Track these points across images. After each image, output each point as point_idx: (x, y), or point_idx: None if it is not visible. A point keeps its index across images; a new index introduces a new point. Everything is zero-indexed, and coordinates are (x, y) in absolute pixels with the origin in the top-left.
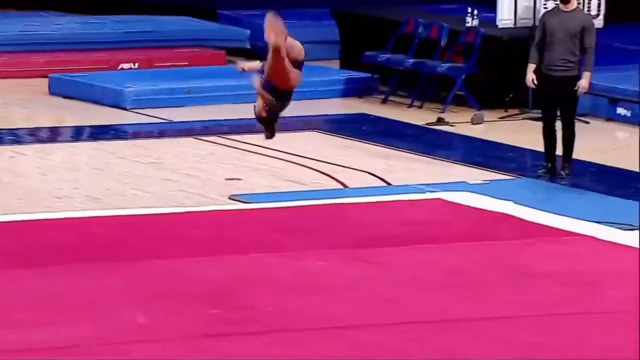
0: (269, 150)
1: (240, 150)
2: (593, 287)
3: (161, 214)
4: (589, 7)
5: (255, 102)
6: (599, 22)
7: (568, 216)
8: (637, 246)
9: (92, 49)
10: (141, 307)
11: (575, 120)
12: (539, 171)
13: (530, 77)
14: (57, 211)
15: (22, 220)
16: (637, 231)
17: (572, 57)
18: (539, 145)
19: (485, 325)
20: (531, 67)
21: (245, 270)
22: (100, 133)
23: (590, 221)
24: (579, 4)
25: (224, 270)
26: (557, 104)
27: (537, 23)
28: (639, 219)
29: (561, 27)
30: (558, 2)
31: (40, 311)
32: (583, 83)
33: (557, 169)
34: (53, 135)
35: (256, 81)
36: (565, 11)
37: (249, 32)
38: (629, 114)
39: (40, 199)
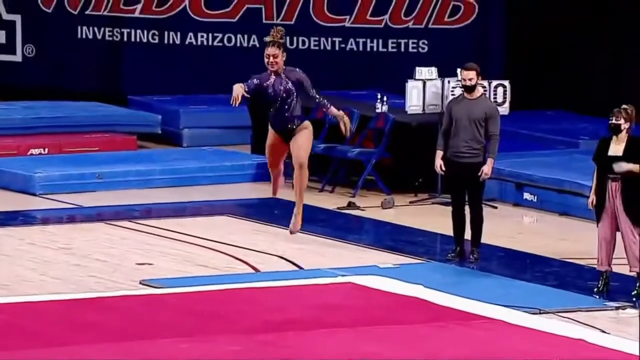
0: (180, 235)
1: (152, 235)
2: None
3: (70, 299)
4: (495, 94)
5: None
6: (504, 110)
7: (477, 300)
8: (552, 331)
9: (1, 134)
10: None
11: (483, 205)
12: (449, 255)
13: (438, 164)
14: None
15: None
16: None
17: (477, 144)
18: (448, 230)
19: None
20: (439, 153)
21: (156, 356)
22: (9, 219)
23: (499, 305)
24: (485, 91)
25: (134, 356)
26: (465, 189)
27: (444, 109)
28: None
29: (466, 115)
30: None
31: None
32: (485, 169)
33: (465, 253)
34: None
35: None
36: (470, 99)
37: (159, 117)
38: (534, 199)
39: None
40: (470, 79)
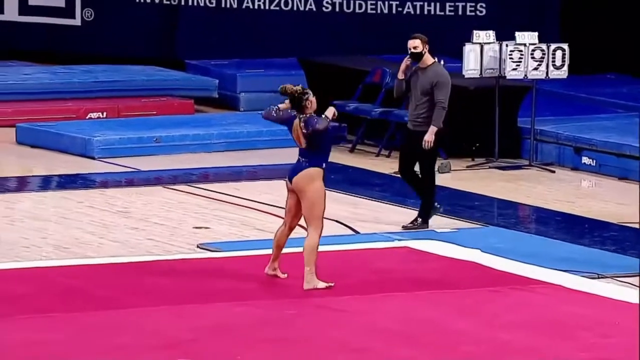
0: (237, 199)
1: (209, 199)
2: (559, 335)
3: (128, 262)
4: (553, 58)
5: None
6: (563, 73)
7: (535, 264)
8: (610, 295)
9: (60, 98)
10: (109, 357)
11: (540, 169)
12: (406, 225)
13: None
14: (24, 260)
15: None
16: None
17: (425, 113)
18: (506, 194)
19: None
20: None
21: (212, 319)
22: (68, 182)
23: (557, 269)
24: (543, 55)
25: (191, 319)
26: (413, 157)
27: (502, 73)
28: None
29: (417, 84)
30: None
31: None
32: (426, 137)
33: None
34: (21, 184)
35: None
36: (422, 68)
37: (217, 81)
38: (593, 164)
39: (7, 248)
40: (415, 47)
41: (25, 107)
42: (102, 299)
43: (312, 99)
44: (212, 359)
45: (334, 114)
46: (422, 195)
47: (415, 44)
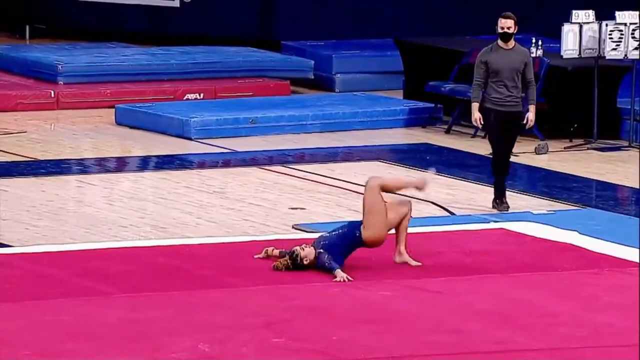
0: (333, 180)
1: (304, 180)
2: None
3: (224, 243)
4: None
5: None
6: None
7: (634, 247)
8: None
9: (158, 79)
10: (206, 336)
11: None
12: (500, 207)
13: (477, 116)
14: (123, 240)
15: (88, 249)
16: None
17: (518, 93)
18: (604, 176)
19: (540, 357)
20: (475, 106)
21: (307, 300)
22: (165, 163)
23: None
24: None
25: (286, 300)
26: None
27: (602, 53)
28: (639, 238)
29: (507, 64)
30: (499, 41)
31: (98, 342)
32: (531, 117)
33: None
34: (119, 165)
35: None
36: (507, 49)
37: (312, 62)
38: None
39: (106, 228)
40: (508, 27)
41: (124, 88)
42: (199, 279)
43: (304, 253)
44: (308, 339)
45: None
46: (506, 174)
47: (509, 24)
